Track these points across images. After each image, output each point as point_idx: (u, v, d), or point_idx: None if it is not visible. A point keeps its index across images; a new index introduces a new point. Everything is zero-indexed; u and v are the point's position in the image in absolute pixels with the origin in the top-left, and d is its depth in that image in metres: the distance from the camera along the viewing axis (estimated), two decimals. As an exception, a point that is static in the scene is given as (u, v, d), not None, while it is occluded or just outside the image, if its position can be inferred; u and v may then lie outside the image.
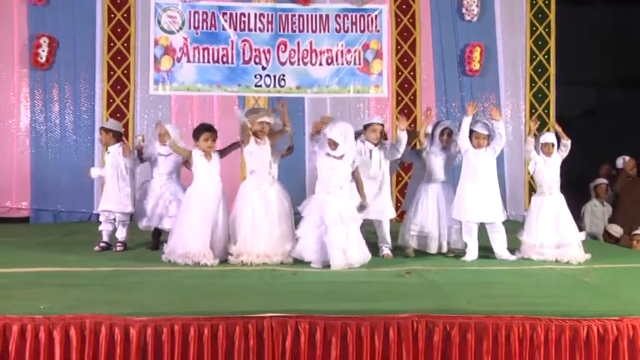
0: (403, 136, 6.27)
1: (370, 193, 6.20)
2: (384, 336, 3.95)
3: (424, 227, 6.36)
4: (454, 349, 3.96)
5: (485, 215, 6.24)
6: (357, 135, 6.48)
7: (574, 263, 6.07)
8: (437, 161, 6.40)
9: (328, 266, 5.65)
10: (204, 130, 6.02)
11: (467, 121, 6.28)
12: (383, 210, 6.36)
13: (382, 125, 6.51)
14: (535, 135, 6.51)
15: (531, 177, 9.68)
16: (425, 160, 6.47)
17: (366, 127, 6.46)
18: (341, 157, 5.81)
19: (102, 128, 6.86)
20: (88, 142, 9.41)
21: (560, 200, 6.36)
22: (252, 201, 5.96)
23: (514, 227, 6.71)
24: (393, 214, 6.53)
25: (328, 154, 5.85)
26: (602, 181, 9.00)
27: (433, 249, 6.35)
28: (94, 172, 7.01)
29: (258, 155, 6.05)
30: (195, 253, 5.72)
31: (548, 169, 6.34)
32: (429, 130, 6.54)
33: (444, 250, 6.37)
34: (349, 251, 5.69)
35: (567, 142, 6.38)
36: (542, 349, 3.99)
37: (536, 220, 6.30)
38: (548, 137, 6.42)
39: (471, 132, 6.32)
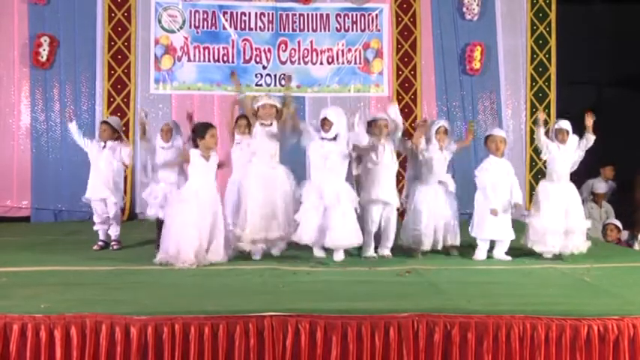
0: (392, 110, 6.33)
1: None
2: (385, 335, 3.95)
3: (419, 225, 6.26)
4: (454, 348, 3.97)
5: (504, 234, 6.23)
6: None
7: (576, 253, 6.11)
8: (434, 161, 6.32)
9: (326, 249, 5.81)
10: (210, 127, 5.96)
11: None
12: (392, 201, 6.26)
13: (387, 120, 6.40)
14: (546, 121, 6.44)
15: (532, 176, 9.77)
16: (421, 159, 6.38)
17: (369, 123, 6.39)
18: (334, 139, 5.87)
19: (107, 123, 6.78)
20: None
21: (571, 188, 6.31)
22: (252, 184, 5.97)
23: (515, 227, 6.69)
24: (397, 203, 6.45)
25: (322, 138, 5.93)
26: (602, 190, 9.03)
27: (427, 245, 6.24)
28: (73, 127, 6.71)
29: (262, 138, 6.05)
30: (187, 255, 5.58)
31: (561, 156, 6.26)
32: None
33: (439, 247, 6.31)
34: (345, 232, 5.79)
35: (591, 137, 6.27)
36: (542, 348, 4.00)
37: (544, 205, 6.22)
38: (563, 124, 6.31)
39: (488, 137, 6.36)
